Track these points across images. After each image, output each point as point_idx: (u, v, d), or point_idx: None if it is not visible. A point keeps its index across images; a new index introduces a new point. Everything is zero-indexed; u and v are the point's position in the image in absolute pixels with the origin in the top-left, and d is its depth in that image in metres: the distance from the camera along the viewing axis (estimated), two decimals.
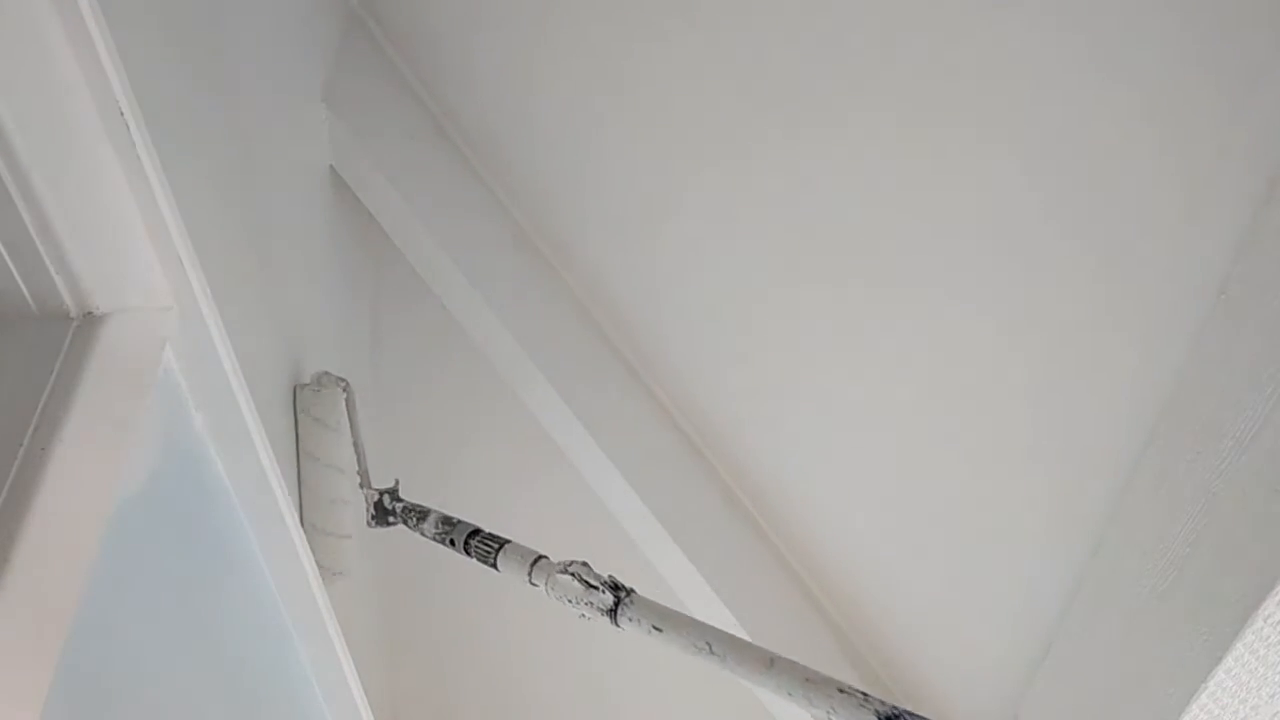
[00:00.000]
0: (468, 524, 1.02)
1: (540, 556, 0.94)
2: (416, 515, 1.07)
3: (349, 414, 1.10)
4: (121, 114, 0.57)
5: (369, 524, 1.12)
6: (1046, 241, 0.96)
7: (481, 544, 0.99)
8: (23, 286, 0.60)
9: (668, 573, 1.33)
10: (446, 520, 1.04)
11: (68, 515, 0.53)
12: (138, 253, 0.63)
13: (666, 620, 0.81)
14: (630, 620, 0.85)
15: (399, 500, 1.10)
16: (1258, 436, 0.77)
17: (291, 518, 0.87)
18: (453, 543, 1.01)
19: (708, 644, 0.77)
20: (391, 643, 1.81)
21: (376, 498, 1.11)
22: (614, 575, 0.89)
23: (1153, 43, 0.82)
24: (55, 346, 0.61)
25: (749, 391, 1.29)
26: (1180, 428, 0.89)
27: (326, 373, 1.10)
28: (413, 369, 1.55)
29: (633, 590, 0.87)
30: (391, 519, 1.10)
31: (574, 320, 1.35)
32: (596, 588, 0.87)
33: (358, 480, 1.12)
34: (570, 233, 1.33)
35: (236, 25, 0.91)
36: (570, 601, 0.88)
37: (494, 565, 0.97)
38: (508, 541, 0.98)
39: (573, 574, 0.88)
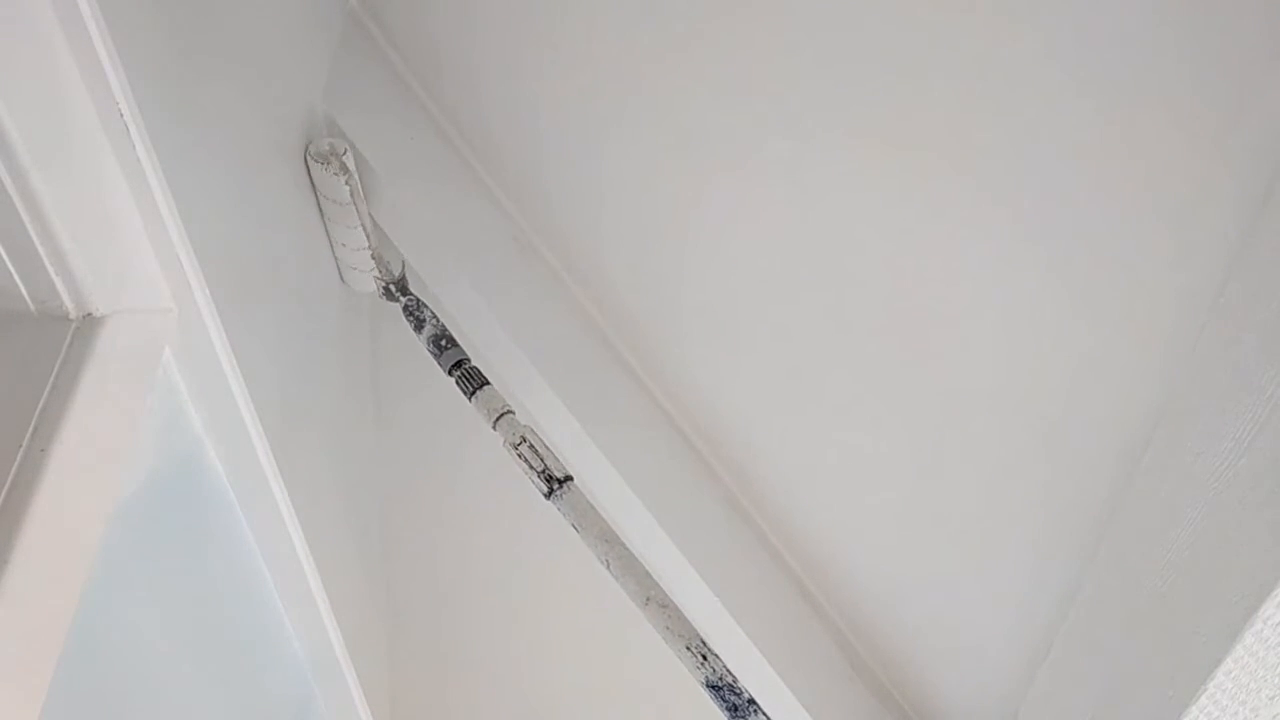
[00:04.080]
0: (458, 350, 1.08)
1: (507, 411, 1.02)
2: (415, 320, 1.12)
3: (354, 200, 1.11)
4: (121, 115, 0.57)
5: (379, 296, 1.18)
6: (1044, 243, 0.96)
7: (464, 377, 1.06)
8: (22, 287, 0.61)
9: (667, 574, 1.33)
10: (439, 339, 1.09)
11: (68, 515, 0.53)
12: (137, 254, 0.63)
13: (585, 521, 0.91)
14: (558, 508, 0.94)
15: (406, 294, 1.15)
16: (1257, 438, 0.77)
17: (291, 519, 0.87)
18: (438, 361, 1.08)
19: (608, 561, 0.88)
20: (391, 642, 1.81)
21: (384, 285, 1.17)
22: (559, 461, 0.97)
23: (1151, 43, 0.82)
24: (55, 347, 0.61)
25: (750, 394, 1.30)
26: (1180, 429, 0.89)
27: (332, 145, 1.10)
28: (412, 369, 1.55)
29: (568, 481, 0.95)
30: (398, 302, 1.16)
31: (575, 322, 1.35)
32: (536, 471, 0.96)
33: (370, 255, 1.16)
34: (571, 234, 1.32)
35: (236, 25, 0.91)
36: (521, 468, 0.97)
37: (468, 398, 1.04)
38: (487, 383, 1.05)
39: (519, 455, 0.97)
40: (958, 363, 1.09)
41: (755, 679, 1.34)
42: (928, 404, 1.13)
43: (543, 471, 0.97)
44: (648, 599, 0.87)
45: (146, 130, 0.60)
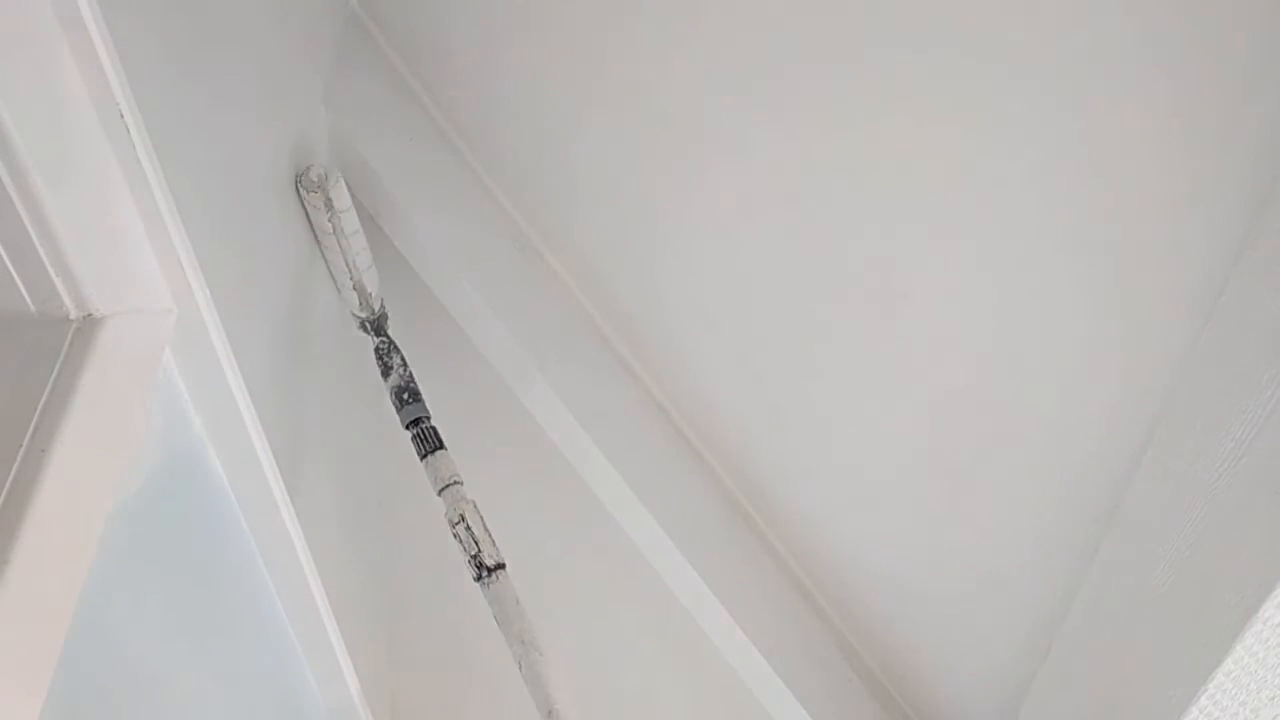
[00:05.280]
0: (419, 406, 1.08)
1: (455, 482, 1.02)
2: (383, 365, 1.12)
3: (335, 234, 1.10)
4: (121, 115, 0.57)
5: (356, 328, 1.17)
6: (1045, 241, 0.96)
7: (420, 436, 1.06)
8: (22, 288, 0.61)
9: (667, 574, 1.34)
10: (402, 391, 1.09)
11: (68, 515, 0.53)
12: (137, 255, 0.63)
13: (506, 616, 0.95)
14: (484, 595, 0.97)
15: (380, 334, 1.15)
16: (1258, 438, 0.77)
17: (291, 519, 0.87)
18: (398, 414, 1.08)
19: (520, 663, 0.92)
20: (392, 642, 1.81)
21: (360, 321, 1.16)
22: (494, 548, 0.99)
23: (1152, 42, 0.82)
24: (55, 348, 0.61)
25: (750, 393, 1.30)
26: (1180, 429, 0.89)
27: (321, 176, 1.07)
28: (414, 368, 1.55)
29: (499, 570, 0.98)
30: (371, 338, 1.15)
31: (574, 321, 1.36)
32: (469, 555, 0.98)
33: (351, 283, 1.15)
34: (572, 234, 1.33)
35: (236, 26, 0.91)
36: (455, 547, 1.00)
37: (421, 459, 1.05)
38: (441, 447, 1.05)
39: (455, 535, 0.99)
40: (957, 362, 1.09)
41: (755, 679, 1.34)
42: (926, 404, 1.13)
43: (475, 556, 0.99)
44: (550, 712, 0.89)
45: (146, 130, 0.60)
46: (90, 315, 0.63)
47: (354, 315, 1.17)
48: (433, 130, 1.31)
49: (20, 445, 0.55)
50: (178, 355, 0.69)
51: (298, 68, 1.12)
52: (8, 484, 0.53)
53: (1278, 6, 0.75)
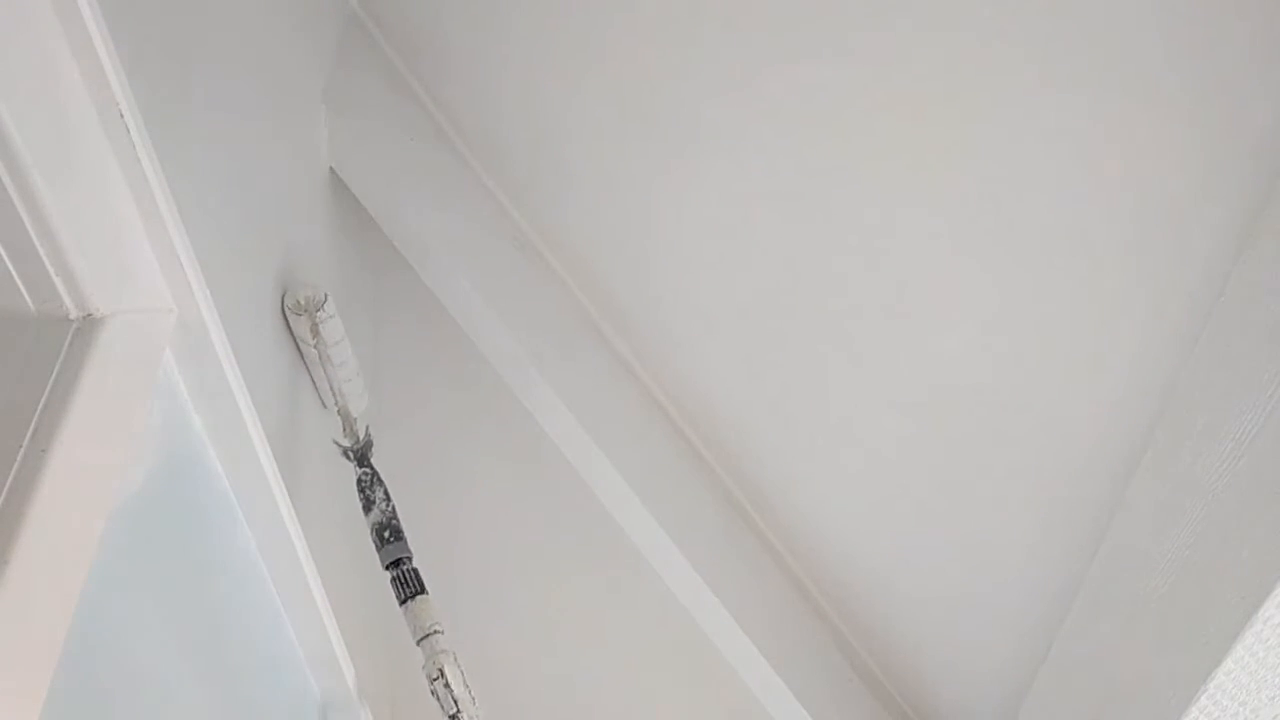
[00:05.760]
0: (400, 546, 1.01)
1: (435, 631, 0.95)
2: (365, 499, 1.03)
3: (321, 362, 1.06)
4: (121, 115, 0.57)
5: (339, 453, 1.09)
6: (1046, 242, 0.96)
7: (400, 579, 0.99)
8: (22, 288, 0.60)
9: (667, 574, 1.33)
10: (383, 529, 1.01)
11: (68, 515, 0.53)
12: (138, 254, 0.63)
13: None
14: None
15: (363, 465, 1.06)
16: (1258, 438, 0.77)
17: (291, 519, 0.87)
18: (378, 553, 1.00)
19: None
20: (392, 641, 1.81)
21: (342, 450, 1.07)
22: (475, 708, 0.92)
23: (1154, 41, 0.82)
24: (55, 348, 0.61)
25: (749, 394, 1.30)
26: (1180, 429, 0.89)
27: (309, 296, 1.02)
28: (412, 369, 1.55)
29: None
30: (354, 466, 1.07)
31: (575, 321, 1.35)
32: (448, 715, 0.91)
33: (335, 409, 1.08)
34: (571, 233, 1.33)
35: (236, 26, 0.91)
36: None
37: (400, 604, 0.98)
38: (422, 592, 0.98)
39: (433, 691, 0.92)
40: (956, 362, 1.09)
41: (755, 679, 1.34)
42: (926, 403, 1.13)
43: (453, 717, 0.93)
44: None
45: (146, 130, 0.60)
46: (90, 315, 0.63)
47: (336, 444, 1.09)
48: (433, 130, 1.30)
49: (20, 445, 0.55)
50: (178, 355, 0.69)
51: (298, 68, 1.12)
52: (8, 484, 0.53)
53: (1276, 6, 0.75)
